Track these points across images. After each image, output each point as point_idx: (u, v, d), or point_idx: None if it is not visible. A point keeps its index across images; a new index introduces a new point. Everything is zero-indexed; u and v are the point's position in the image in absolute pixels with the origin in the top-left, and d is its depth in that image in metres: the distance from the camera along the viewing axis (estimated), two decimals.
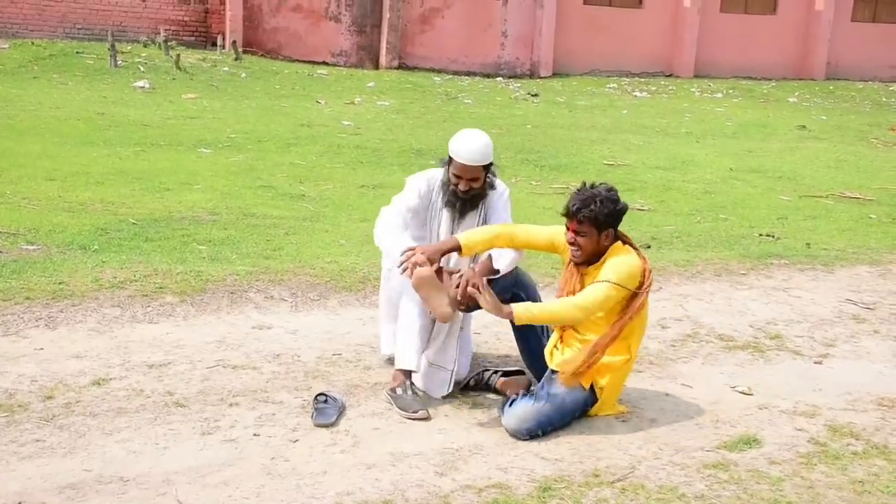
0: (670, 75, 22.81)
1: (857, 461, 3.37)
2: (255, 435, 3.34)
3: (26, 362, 3.84)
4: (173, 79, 16.34)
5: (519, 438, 3.43)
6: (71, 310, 4.42)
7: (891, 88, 22.95)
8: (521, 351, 3.94)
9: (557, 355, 3.66)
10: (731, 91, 20.60)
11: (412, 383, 3.76)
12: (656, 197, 8.92)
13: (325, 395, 3.61)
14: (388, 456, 3.23)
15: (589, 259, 3.59)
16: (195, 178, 8.46)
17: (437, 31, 21.28)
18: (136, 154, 9.64)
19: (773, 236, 7.19)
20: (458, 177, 3.83)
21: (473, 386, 3.91)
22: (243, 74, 17.52)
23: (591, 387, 3.60)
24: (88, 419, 3.36)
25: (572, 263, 3.64)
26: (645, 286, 3.54)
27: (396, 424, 3.51)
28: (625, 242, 3.63)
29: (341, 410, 3.58)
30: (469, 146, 3.79)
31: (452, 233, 3.90)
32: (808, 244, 6.96)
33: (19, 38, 18.64)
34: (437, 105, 16.18)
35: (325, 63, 20.65)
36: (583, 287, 3.58)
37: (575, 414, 3.59)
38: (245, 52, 19.63)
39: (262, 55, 20.20)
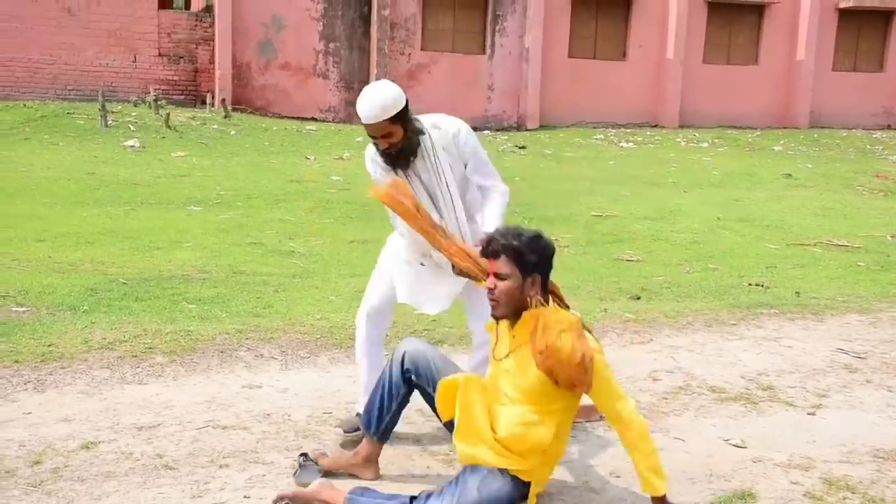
0: (656, 126, 23.06)
1: None
2: (245, 497, 3.30)
3: (14, 427, 3.79)
4: (163, 137, 16.45)
5: None
6: (60, 372, 4.39)
7: (874, 136, 23.23)
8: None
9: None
10: (716, 140, 20.83)
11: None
12: (645, 247, 8.96)
13: (310, 455, 3.56)
14: None
15: (507, 313, 3.11)
16: (185, 236, 8.47)
17: (424, 86, 21.52)
18: (125, 213, 9.66)
19: (762, 285, 7.22)
20: (373, 136, 3.51)
21: None
22: (233, 132, 17.65)
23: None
24: (77, 484, 3.32)
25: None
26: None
27: (388, 484, 3.47)
28: (560, 304, 3.20)
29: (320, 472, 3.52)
30: (364, 103, 3.43)
31: (418, 191, 3.56)
32: (797, 293, 6.99)
33: (11, 100, 18.80)
34: None
35: (313, 119, 20.85)
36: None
37: None
38: (234, 109, 19.82)
39: (251, 112, 20.39)
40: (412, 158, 3.58)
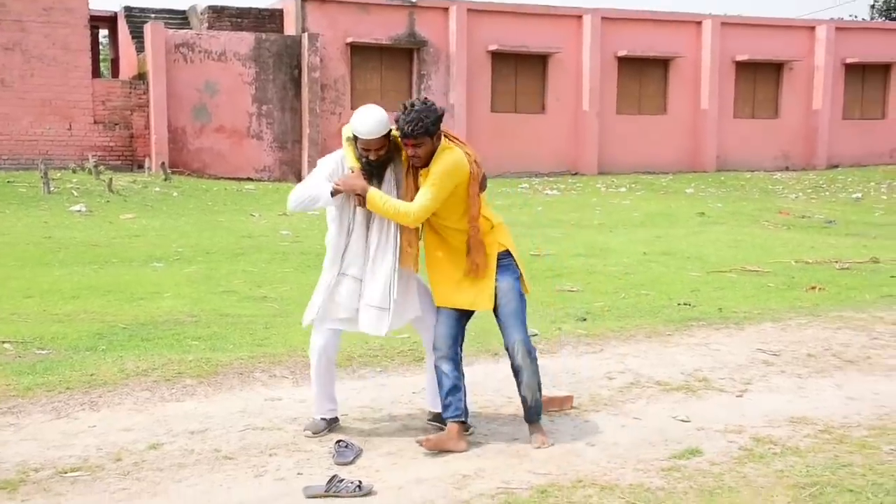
0: (576, 173, 24.42)
1: (777, 459, 4.28)
2: (298, 474, 4.06)
3: (85, 436, 4.47)
4: (107, 201, 16.95)
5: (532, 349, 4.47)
6: (108, 395, 5.07)
7: (774, 177, 25.03)
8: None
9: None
10: (633, 185, 22.23)
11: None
12: (582, 280, 9.94)
13: (345, 441, 4.35)
14: (412, 480, 3.98)
15: (427, 162, 4.34)
16: (161, 288, 9.10)
17: None
18: (94, 271, 10.22)
19: (689, 304, 8.25)
20: (366, 150, 4.37)
21: None
22: (175, 193, 18.24)
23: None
24: (158, 472, 4.03)
25: (410, 175, 4.43)
26: (475, 173, 4.38)
27: (410, 460, 4.26)
28: (450, 140, 4.42)
29: (358, 454, 4.31)
30: (368, 123, 4.32)
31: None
32: (719, 309, 8.03)
33: None
34: None
35: (249, 179, 21.54)
36: (417, 187, 4.36)
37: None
38: (172, 172, 20.40)
39: (188, 174, 21.00)
40: (387, 168, 4.47)
